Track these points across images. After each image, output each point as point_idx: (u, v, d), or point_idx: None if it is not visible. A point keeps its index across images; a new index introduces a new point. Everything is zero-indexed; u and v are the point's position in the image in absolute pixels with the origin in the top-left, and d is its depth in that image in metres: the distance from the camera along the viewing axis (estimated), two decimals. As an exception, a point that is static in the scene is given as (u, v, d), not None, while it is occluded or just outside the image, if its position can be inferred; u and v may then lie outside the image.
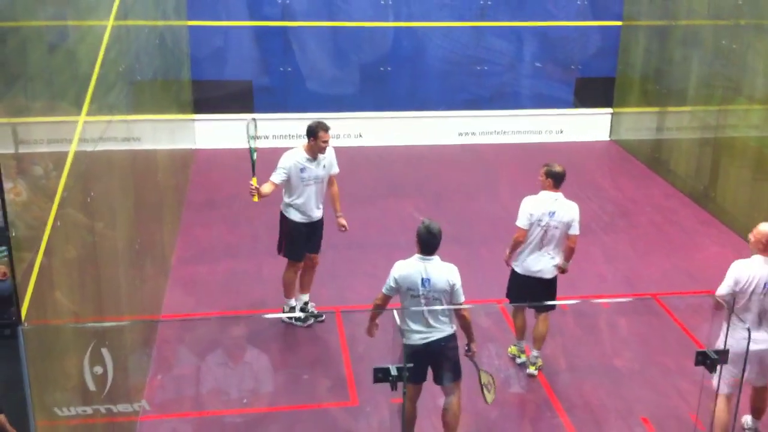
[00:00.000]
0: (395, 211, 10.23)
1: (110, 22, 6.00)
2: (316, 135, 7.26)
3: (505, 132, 12.97)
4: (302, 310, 7.71)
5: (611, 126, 13.26)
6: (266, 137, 12.47)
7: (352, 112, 12.28)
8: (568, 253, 6.80)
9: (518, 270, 6.88)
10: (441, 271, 5.68)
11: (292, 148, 7.54)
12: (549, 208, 6.68)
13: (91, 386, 4.35)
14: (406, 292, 5.73)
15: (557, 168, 6.74)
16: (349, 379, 6.88)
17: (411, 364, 5.16)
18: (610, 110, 13.21)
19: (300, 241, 7.56)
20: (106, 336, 4.78)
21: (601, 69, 13.01)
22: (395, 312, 5.80)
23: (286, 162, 7.34)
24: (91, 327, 4.77)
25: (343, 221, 7.70)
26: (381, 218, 10.10)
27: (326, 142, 7.31)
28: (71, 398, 4.36)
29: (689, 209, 10.64)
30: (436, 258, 5.73)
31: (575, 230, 6.71)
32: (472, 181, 11.43)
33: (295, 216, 7.49)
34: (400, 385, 4.88)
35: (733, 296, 5.73)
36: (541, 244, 6.74)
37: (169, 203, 8.96)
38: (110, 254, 5.56)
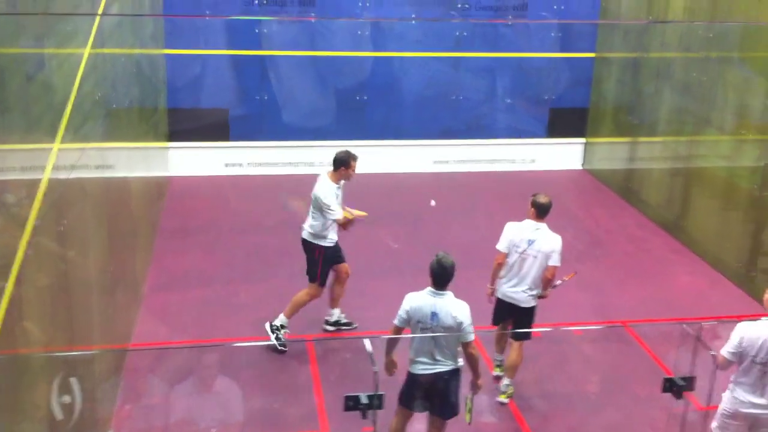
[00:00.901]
0: (370, 239, 10.26)
1: (87, 50, 6.03)
2: (348, 164, 7.55)
3: (479, 161, 13.10)
4: (336, 323, 8.08)
5: (584, 155, 13.44)
6: (241, 165, 12.54)
7: (329, 140, 12.36)
8: (545, 283, 6.86)
9: (498, 295, 6.97)
10: (449, 308, 5.68)
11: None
12: (528, 236, 6.77)
13: (59, 416, 4.33)
14: (416, 324, 5.76)
15: (541, 199, 6.84)
16: (320, 407, 6.87)
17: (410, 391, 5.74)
18: (583, 140, 13.39)
19: (330, 265, 7.89)
20: (75, 365, 4.75)
21: (574, 100, 13.20)
22: (366, 341, 5.85)
23: (329, 192, 7.56)
24: (61, 356, 4.75)
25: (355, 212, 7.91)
26: (356, 246, 10.07)
27: (354, 170, 7.64)
28: (40, 429, 4.33)
29: (661, 238, 10.77)
30: (449, 294, 5.75)
31: (554, 261, 6.79)
32: (449, 209, 11.50)
33: (331, 242, 7.76)
34: (370, 413, 4.90)
35: (739, 355, 5.56)
36: (519, 272, 6.80)
37: (143, 231, 8.94)
38: (82, 283, 5.54)
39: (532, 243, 6.75)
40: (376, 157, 12.74)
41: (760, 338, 5.49)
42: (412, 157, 12.81)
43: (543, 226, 6.82)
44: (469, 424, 5.98)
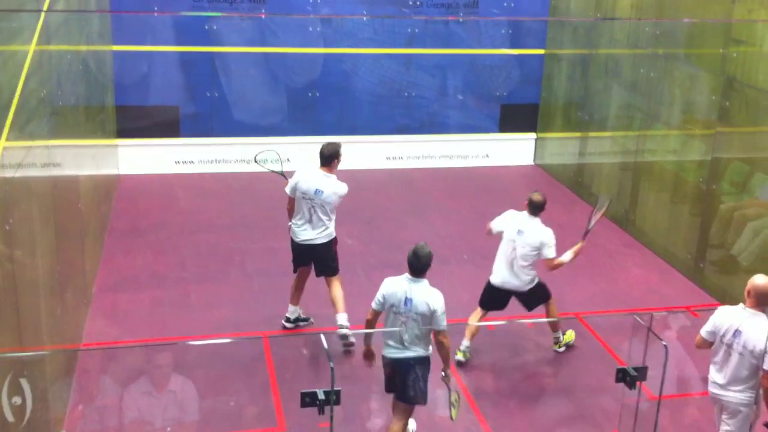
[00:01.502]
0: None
1: (32, 47, 5.89)
2: (340, 156, 7.65)
3: (432, 157, 13.15)
4: (296, 320, 8.01)
5: (536, 151, 13.57)
6: (192, 162, 12.39)
7: (280, 137, 12.26)
8: (552, 268, 7.47)
9: (492, 279, 7.45)
10: (424, 295, 5.83)
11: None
12: (518, 227, 7.35)
13: (10, 417, 4.22)
14: (389, 308, 5.92)
15: (534, 197, 7.45)
16: (277, 404, 6.82)
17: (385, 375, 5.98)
18: (534, 135, 13.52)
19: None
20: (25, 366, 4.64)
21: (525, 96, 13.33)
22: (323, 336, 5.85)
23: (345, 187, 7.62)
24: (9, 357, 4.64)
25: None
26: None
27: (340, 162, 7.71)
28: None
29: (612, 232, 10.92)
30: (424, 282, 5.91)
31: (547, 254, 7.31)
32: (402, 206, 11.52)
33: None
34: (327, 409, 4.87)
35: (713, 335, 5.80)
36: (511, 260, 7.34)
37: (92, 230, 8.77)
38: (30, 283, 5.41)
39: (521, 233, 7.33)
40: (329, 154, 12.71)
41: (729, 321, 5.72)
42: (365, 154, 12.78)
43: (536, 221, 7.38)
44: (453, 420, 6.13)
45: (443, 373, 6.02)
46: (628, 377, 5.16)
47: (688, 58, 10.06)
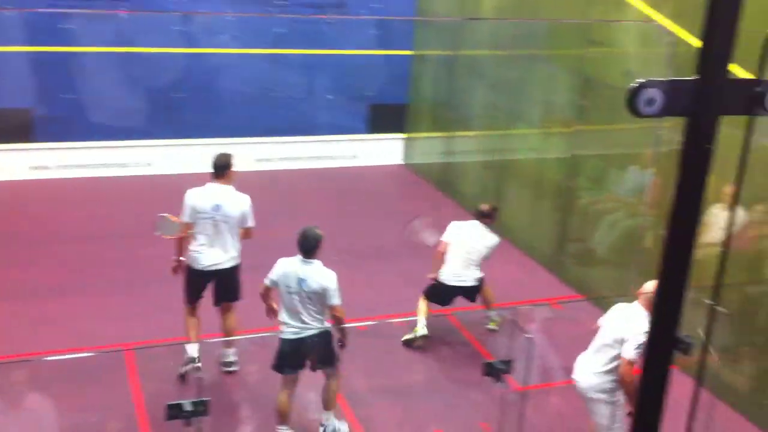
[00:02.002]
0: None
1: None
2: (231, 166, 7.04)
3: (301, 158, 13.05)
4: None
5: (404, 150, 13.70)
6: (48, 167, 11.79)
7: (143, 140, 11.85)
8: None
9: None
10: (316, 275, 6.10)
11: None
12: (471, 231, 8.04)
13: None
14: (284, 288, 6.13)
15: (479, 207, 8.21)
16: (141, 417, 6.55)
17: (284, 357, 6.17)
18: (402, 135, 13.64)
19: None
20: None
21: (393, 96, 13.43)
22: (186, 346, 5.67)
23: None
24: None
25: None
26: (171, 251, 9.77)
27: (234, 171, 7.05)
28: None
29: (478, 229, 11.14)
30: (317, 262, 6.16)
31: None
32: (270, 208, 11.34)
33: None
34: (195, 420, 4.70)
35: None
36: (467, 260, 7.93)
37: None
38: None
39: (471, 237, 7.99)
40: (194, 156, 12.38)
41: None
42: (233, 156, 12.51)
43: (477, 224, 8.03)
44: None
45: (341, 345, 6.35)
46: (495, 370, 5.25)
47: (547, 59, 10.40)
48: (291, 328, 6.15)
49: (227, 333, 7.16)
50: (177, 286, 8.62)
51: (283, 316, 6.19)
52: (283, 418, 6.33)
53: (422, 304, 8.01)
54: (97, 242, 9.83)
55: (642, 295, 5.74)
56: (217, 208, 6.81)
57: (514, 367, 5.33)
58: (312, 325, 6.14)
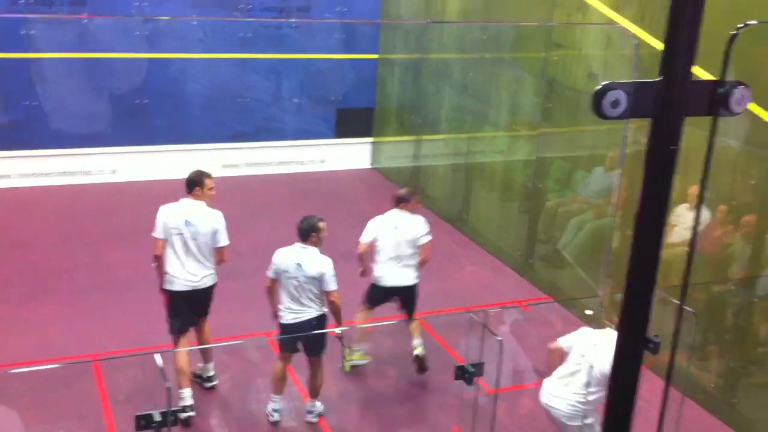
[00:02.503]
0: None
1: None
2: (202, 183, 6.76)
3: (269, 163, 12.98)
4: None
5: (372, 154, 13.70)
6: (9, 176, 11.60)
7: (106, 147, 11.71)
8: (421, 263, 7.61)
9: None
10: (313, 261, 6.48)
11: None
12: (393, 224, 7.55)
13: None
14: (282, 273, 6.50)
15: (397, 193, 7.84)
16: (110, 428, 6.46)
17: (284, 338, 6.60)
18: (370, 139, 13.64)
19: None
20: None
21: (360, 100, 13.41)
22: (157, 355, 5.57)
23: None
24: None
25: None
26: (139, 258, 9.64)
27: (212, 189, 6.83)
28: None
29: (446, 232, 11.17)
30: (313, 249, 6.56)
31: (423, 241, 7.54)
32: (238, 214, 11.26)
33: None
34: (165, 431, 4.65)
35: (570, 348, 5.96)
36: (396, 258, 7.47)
37: None
38: None
39: (397, 229, 7.52)
40: (161, 163, 12.28)
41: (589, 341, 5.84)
42: (200, 162, 12.38)
43: (405, 213, 7.63)
44: (347, 372, 7.21)
45: (337, 331, 6.81)
46: (467, 374, 5.25)
47: (513, 62, 10.47)
48: (291, 312, 6.54)
49: (204, 350, 7.05)
50: (142, 292, 8.55)
51: (284, 301, 6.56)
52: (278, 388, 6.69)
53: (363, 315, 7.63)
54: (63, 249, 9.70)
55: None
56: (187, 224, 6.65)
57: (485, 370, 5.34)
58: (311, 307, 6.51)
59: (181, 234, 6.64)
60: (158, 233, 6.70)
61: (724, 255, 7.42)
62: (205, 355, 7.08)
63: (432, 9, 12.11)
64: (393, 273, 7.46)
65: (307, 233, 6.57)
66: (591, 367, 5.72)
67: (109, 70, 11.74)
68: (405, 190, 7.93)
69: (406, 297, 7.57)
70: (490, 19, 10.76)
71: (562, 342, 6.03)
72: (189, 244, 6.65)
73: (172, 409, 4.61)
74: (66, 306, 8.39)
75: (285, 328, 6.60)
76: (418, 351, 7.47)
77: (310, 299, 6.51)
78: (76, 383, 7.06)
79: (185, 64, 12.15)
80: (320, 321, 6.59)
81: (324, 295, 6.54)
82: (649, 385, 2.72)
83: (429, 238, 7.58)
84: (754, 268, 7.12)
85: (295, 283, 6.46)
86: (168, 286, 6.72)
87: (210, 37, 12.20)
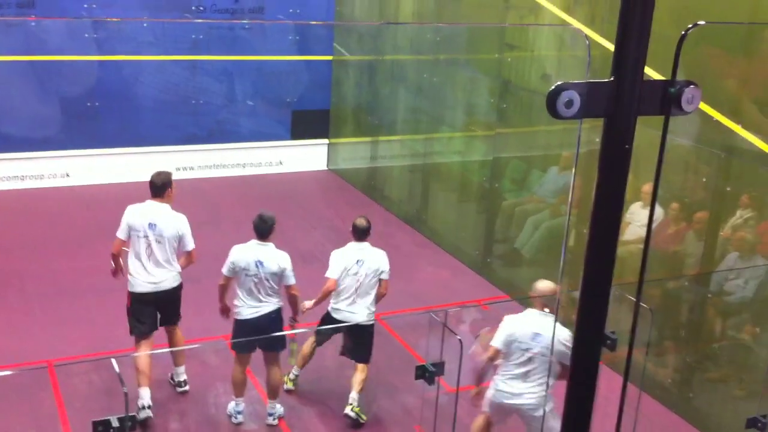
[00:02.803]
0: (108, 254, 9.67)
1: None
2: (171, 185, 6.82)
3: (224, 165, 12.88)
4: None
5: (328, 156, 13.68)
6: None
7: (57, 150, 11.51)
8: (378, 298, 7.04)
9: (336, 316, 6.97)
10: (273, 257, 6.50)
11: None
12: (357, 257, 6.87)
13: None
14: (241, 271, 6.48)
15: (357, 222, 7.01)
16: (67, 437, 6.36)
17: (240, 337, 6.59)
18: (326, 141, 13.62)
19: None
20: None
21: (315, 102, 13.38)
22: (113, 360, 5.51)
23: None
24: None
25: None
26: (93, 262, 9.51)
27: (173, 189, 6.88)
28: None
29: (405, 233, 11.21)
30: (271, 245, 6.57)
31: (385, 276, 6.96)
32: (194, 217, 11.14)
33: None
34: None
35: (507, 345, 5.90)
36: (356, 294, 6.86)
37: None
38: None
39: (361, 263, 6.87)
40: (112, 166, 12.12)
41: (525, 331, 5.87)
42: (152, 165, 12.21)
43: (366, 245, 6.97)
44: (293, 365, 7.02)
45: (293, 320, 6.79)
46: (427, 373, 5.27)
47: (467, 63, 10.54)
48: (249, 308, 6.53)
49: (176, 354, 6.98)
50: (95, 298, 8.45)
51: (240, 297, 6.54)
52: (239, 390, 6.68)
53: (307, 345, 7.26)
54: (12, 255, 9.51)
55: (537, 299, 5.88)
56: (151, 226, 6.64)
57: (445, 369, 5.36)
58: (269, 301, 6.54)
59: (145, 237, 6.63)
60: (120, 232, 6.72)
61: (677, 251, 7.56)
62: (177, 359, 7.02)
63: (386, 11, 12.13)
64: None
65: (268, 230, 6.57)
66: (543, 356, 5.81)
67: (59, 73, 11.55)
68: (365, 219, 7.12)
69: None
70: (444, 21, 10.81)
71: (496, 343, 5.97)
72: (153, 246, 6.63)
73: (130, 414, 4.54)
74: (16, 313, 8.23)
75: (243, 324, 6.58)
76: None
77: (269, 294, 6.55)
78: (30, 390, 6.92)
79: (136, 67, 12.00)
80: (278, 314, 6.66)
81: (282, 289, 6.61)
82: (607, 382, 2.76)
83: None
84: (707, 264, 7.26)
85: (255, 279, 6.47)
86: (130, 288, 6.70)
87: (161, 39, 12.06)
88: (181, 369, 7.05)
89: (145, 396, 6.50)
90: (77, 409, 6.65)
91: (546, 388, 5.87)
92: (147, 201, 6.78)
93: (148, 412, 6.49)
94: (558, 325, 6.51)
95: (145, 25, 11.93)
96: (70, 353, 7.49)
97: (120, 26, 11.80)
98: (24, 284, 8.86)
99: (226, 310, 6.79)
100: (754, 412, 6.26)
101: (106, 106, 11.89)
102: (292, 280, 6.59)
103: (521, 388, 5.92)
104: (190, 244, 6.78)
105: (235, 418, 6.70)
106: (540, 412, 5.88)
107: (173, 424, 6.86)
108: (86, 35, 11.58)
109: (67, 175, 11.93)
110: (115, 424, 4.49)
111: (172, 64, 12.19)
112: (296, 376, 7.23)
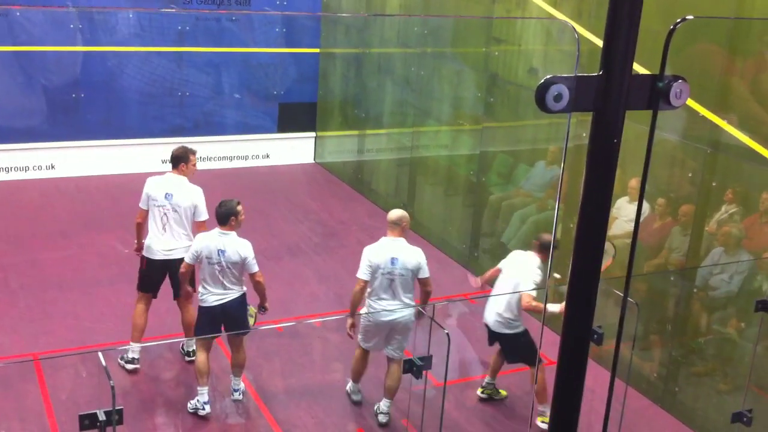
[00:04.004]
0: (95, 246, 9.64)
1: None
2: (188, 159, 7.17)
3: (211, 158, 12.82)
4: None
5: (315, 149, 13.64)
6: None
7: (42, 142, 11.42)
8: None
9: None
10: (234, 245, 6.48)
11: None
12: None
13: None
14: (204, 260, 6.50)
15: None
16: (53, 429, 6.32)
17: (205, 324, 6.60)
18: (313, 134, 13.58)
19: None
20: None
21: (302, 95, 13.33)
22: (100, 353, 5.49)
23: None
24: None
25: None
26: (79, 255, 9.47)
27: (195, 165, 7.27)
28: None
29: (391, 226, 11.18)
30: (232, 234, 6.54)
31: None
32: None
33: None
34: (110, 429, 4.56)
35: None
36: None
37: None
38: None
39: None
40: (97, 157, 12.05)
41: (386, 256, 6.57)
42: (137, 157, 12.21)
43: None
44: (252, 326, 6.89)
45: (262, 308, 6.75)
46: (415, 367, 5.27)
47: (454, 57, 10.52)
48: (213, 295, 6.53)
49: (187, 326, 7.20)
50: (81, 290, 8.42)
51: (205, 285, 6.55)
52: (203, 379, 6.64)
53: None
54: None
55: (392, 226, 6.66)
56: (168, 196, 7.02)
57: (432, 363, 5.37)
58: (233, 289, 6.55)
59: (161, 206, 7.02)
60: (142, 203, 7.12)
61: (663, 245, 7.58)
62: (188, 332, 7.25)
63: (372, 3, 12.10)
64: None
65: (227, 217, 6.54)
66: (402, 275, 6.52)
67: (44, 63, 11.45)
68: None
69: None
70: (431, 14, 10.80)
71: (362, 275, 6.58)
72: (168, 215, 7.02)
73: (117, 408, 4.51)
74: (1, 305, 8.17)
75: (207, 311, 6.61)
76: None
77: (232, 282, 6.56)
78: (15, 383, 6.89)
79: (122, 58, 11.92)
80: (242, 300, 6.68)
81: (245, 277, 6.62)
82: (593, 376, 2.76)
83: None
84: (693, 259, 7.30)
85: (218, 268, 6.48)
86: (145, 253, 7.12)
87: (147, 30, 11.98)
88: (193, 341, 7.27)
89: (135, 350, 7.03)
90: (63, 402, 6.62)
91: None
92: (166, 173, 7.25)
93: (136, 365, 7.07)
94: (409, 246, 6.83)
95: (130, 15, 11.84)
96: (56, 346, 7.46)
97: (105, 17, 11.71)
98: (8, 276, 8.80)
99: (188, 294, 6.98)
100: (739, 406, 6.31)
101: (91, 98, 11.81)
102: (255, 268, 6.57)
103: (392, 305, 6.50)
104: (204, 215, 7.09)
105: (203, 409, 6.64)
106: (411, 325, 6.61)
107: (160, 418, 6.83)
108: (71, 26, 11.49)
109: (53, 167, 11.84)
110: (102, 417, 4.46)
111: (158, 55, 12.11)
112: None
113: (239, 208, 6.60)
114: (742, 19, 6.88)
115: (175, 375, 7.30)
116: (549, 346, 4.21)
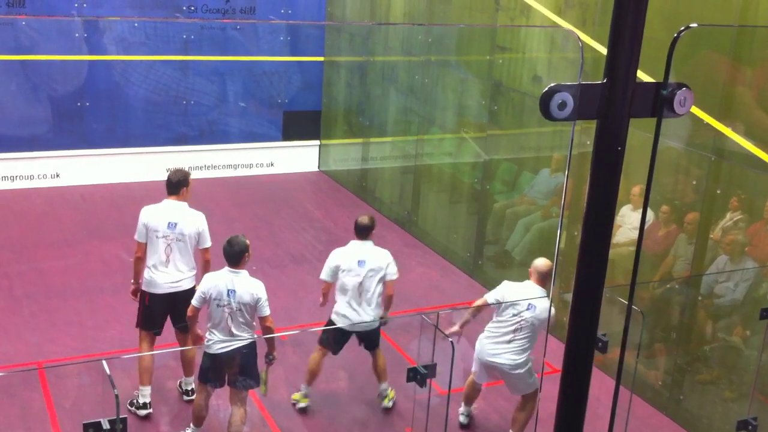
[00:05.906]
0: (98, 255, 9.65)
1: None
2: (188, 183, 6.77)
3: (215, 167, 12.85)
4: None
5: (320, 157, 13.66)
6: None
7: (47, 151, 11.45)
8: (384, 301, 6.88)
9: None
10: (247, 285, 6.00)
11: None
12: (357, 257, 6.75)
13: None
14: (212, 301, 6.00)
15: (360, 220, 6.94)
16: (56, 439, 6.33)
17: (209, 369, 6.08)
18: (317, 142, 13.60)
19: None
20: None
21: (307, 103, 13.35)
22: (104, 361, 5.49)
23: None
24: None
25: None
26: (83, 263, 9.48)
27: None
28: None
29: (395, 234, 11.20)
30: (244, 272, 6.05)
31: (391, 274, 6.83)
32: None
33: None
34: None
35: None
36: (359, 295, 6.74)
37: None
38: None
39: (362, 263, 6.72)
40: (102, 166, 12.07)
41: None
42: (142, 166, 12.24)
43: (369, 244, 6.87)
44: (265, 395, 6.48)
45: (270, 357, 6.24)
46: (419, 375, 5.27)
47: (458, 65, 10.54)
48: (219, 343, 6.04)
49: (186, 361, 6.84)
50: (85, 299, 8.42)
51: (212, 330, 6.06)
52: (198, 421, 6.32)
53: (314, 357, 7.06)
54: (0, 256, 9.46)
55: (533, 273, 6.47)
56: (171, 226, 6.54)
57: (437, 372, 5.36)
58: (241, 336, 6.05)
59: (164, 237, 6.53)
60: (139, 236, 6.60)
61: (668, 253, 7.57)
62: (187, 369, 6.90)
63: (377, 11, 12.13)
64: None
65: (240, 255, 6.03)
66: (533, 325, 6.37)
67: (49, 72, 11.50)
68: (368, 217, 7.04)
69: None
70: (435, 22, 10.82)
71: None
72: (173, 245, 6.54)
73: (121, 416, 4.51)
74: (5, 314, 8.18)
75: (212, 359, 6.11)
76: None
77: (241, 327, 6.06)
78: (20, 391, 6.89)
79: (127, 67, 11.96)
80: (251, 348, 6.17)
81: (256, 321, 6.14)
82: (597, 384, 2.76)
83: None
84: (698, 267, 7.28)
85: (228, 310, 5.99)
86: (146, 287, 6.61)
87: (152, 39, 12.02)
88: (190, 379, 6.91)
89: (146, 394, 6.55)
90: (67, 411, 6.62)
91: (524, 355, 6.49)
92: (163, 200, 6.70)
93: (149, 410, 6.58)
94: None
95: (135, 24, 11.89)
96: (60, 354, 7.46)
97: (110, 26, 11.76)
98: (13, 285, 8.81)
99: (200, 338, 6.37)
100: (744, 414, 6.29)
101: (96, 107, 11.85)
102: (266, 311, 6.05)
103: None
104: (208, 242, 6.67)
105: None
106: (520, 371, 6.45)
107: (164, 427, 6.83)
108: (76, 35, 11.54)
109: (58, 176, 11.87)
110: (106, 426, 4.46)
111: (163, 64, 12.15)
112: (305, 393, 6.97)
113: (248, 242, 6.13)
114: (745, 27, 6.88)
115: (178, 384, 7.29)
116: (553, 354, 4.21)
